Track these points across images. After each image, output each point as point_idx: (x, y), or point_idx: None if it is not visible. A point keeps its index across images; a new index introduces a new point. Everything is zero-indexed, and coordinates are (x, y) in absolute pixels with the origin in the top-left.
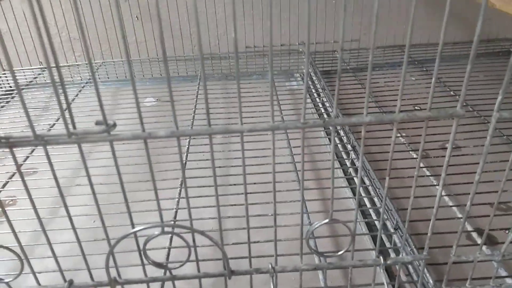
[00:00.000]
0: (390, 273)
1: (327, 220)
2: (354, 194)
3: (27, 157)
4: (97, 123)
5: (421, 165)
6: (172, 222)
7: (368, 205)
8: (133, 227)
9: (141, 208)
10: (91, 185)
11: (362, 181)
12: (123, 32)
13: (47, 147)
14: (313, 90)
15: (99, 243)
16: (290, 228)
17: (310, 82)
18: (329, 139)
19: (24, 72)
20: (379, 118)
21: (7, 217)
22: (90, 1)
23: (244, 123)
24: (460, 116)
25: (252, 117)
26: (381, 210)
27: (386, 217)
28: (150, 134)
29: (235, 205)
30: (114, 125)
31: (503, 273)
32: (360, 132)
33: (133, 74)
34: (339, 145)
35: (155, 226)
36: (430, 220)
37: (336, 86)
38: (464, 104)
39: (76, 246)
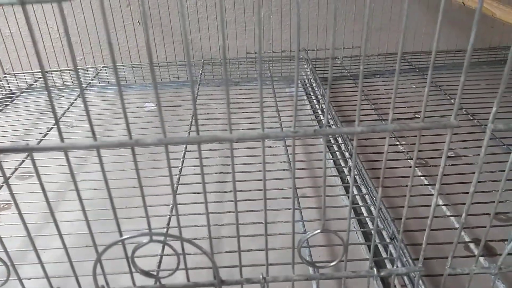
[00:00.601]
0: (386, 283)
1: (319, 230)
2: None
3: (23, 161)
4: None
5: (420, 174)
6: (163, 230)
7: (365, 214)
8: (120, 235)
9: (136, 214)
10: (77, 190)
11: (359, 190)
12: (109, 39)
13: (44, 152)
14: (313, 97)
15: (92, 249)
16: (285, 236)
17: (310, 89)
18: (328, 147)
19: (25, 76)
20: (371, 128)
21: None
22: (91, 5)
23: (241, 129)
24: (453, 126)
25: (250, 123)
26: (375, 220)
27: (382, 227)
28: (137, 141)
29: (230, 212)
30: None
31: (501, 286)
32: (359, 139)
33: (120, 81)
34: (337, 153)
35: (142, 234)
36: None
37: (327, 95)
38: (465, 112)
39: (69, 251)
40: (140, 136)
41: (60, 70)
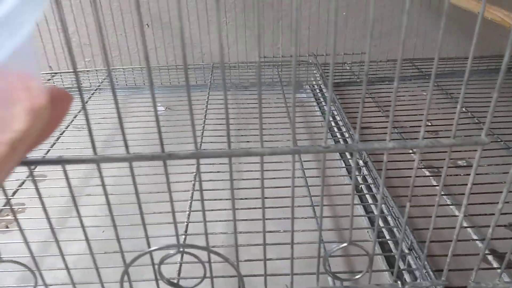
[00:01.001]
0: None
1: (345, 244)
2: (366, 211)
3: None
4: None
5: (434, 183)
6: (181, 237)
7: (382, 224)
8: (149, 245)
9: (152, 220)
10: (107, 196)
11: (375, 199)
12: (144, 40)
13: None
14: (324, 103)
15: (109, 254)
16: (303, 246)
17: (320, 94)
18: (340, 154)
19: None
20: (402, 145)
21: (19, 227)
22: (101, 6)
23: (251, 135)
24: (484, 143)
25: (264, 129)
26: (398, 235)
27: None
28: (170, 155)
29: (246, 220)
30: None
31: None
32: (374, 151)
33: (153, 85)
34: (350, 160)
35: (171, 246)
36: (445, 241)
37: (359, 117)
38: (477, 121)
39: (83, 257)
40: (154, 141)
41: (69, 72)
